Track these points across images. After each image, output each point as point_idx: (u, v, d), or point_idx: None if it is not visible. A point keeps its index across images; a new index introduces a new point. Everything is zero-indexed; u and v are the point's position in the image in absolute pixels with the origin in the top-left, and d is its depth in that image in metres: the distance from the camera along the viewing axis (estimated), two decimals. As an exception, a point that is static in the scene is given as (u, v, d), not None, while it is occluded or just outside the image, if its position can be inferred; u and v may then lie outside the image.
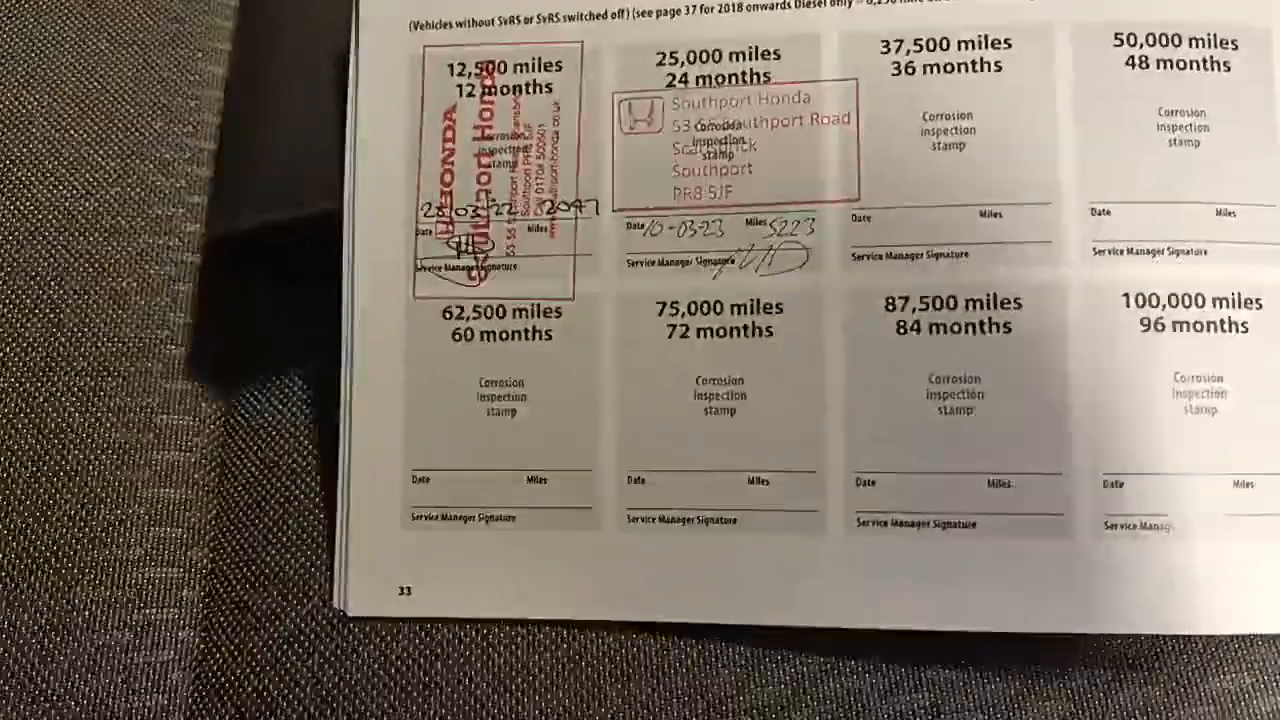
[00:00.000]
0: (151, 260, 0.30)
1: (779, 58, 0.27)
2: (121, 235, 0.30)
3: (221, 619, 0.28)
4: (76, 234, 0.29)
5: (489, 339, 0.27)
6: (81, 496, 0.28)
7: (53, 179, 0.30)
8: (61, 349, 0.29)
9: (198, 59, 0.33)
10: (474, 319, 0.27)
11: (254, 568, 0.29)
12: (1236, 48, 0.27)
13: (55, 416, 0.28)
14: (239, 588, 0.29)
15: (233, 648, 0.28)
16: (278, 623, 0.28)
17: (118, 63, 0.31)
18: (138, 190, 0.31)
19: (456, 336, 0.27)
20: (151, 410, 0.30)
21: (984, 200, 0.26)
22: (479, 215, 0.28)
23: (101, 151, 0.30)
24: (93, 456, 0.28)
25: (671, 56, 0.28)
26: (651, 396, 0.27)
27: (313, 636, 0.28)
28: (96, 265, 0.30)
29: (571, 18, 0.28)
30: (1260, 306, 0.26)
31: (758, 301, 0.27)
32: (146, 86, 0.32)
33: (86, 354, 0.29)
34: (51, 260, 0.29)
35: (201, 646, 0.28)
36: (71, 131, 0.30)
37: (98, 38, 0.32)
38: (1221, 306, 0.26)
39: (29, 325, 0.28)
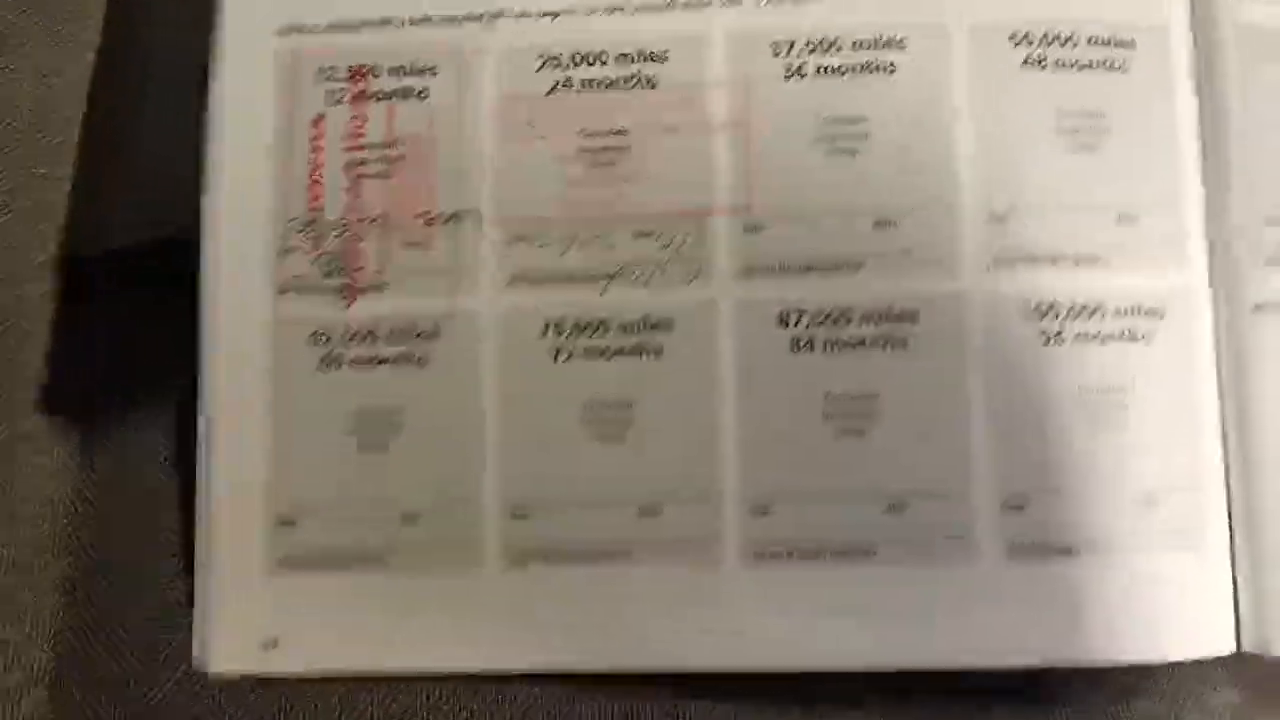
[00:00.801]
0: (4, 286, 0.28)
1: (666, 61, 0.26)
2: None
3: (72, 682, 0.26)
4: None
5: (360, 366, 0.25)
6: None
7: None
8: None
9: (63, 72, 0.30)
10: (343, 344, 0.26)
11: (108, 623, 0.26)
12: (1135, 48, 0.26)
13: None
14: (92, 647, 0.26)
15: (86, 715, 0.26)
16: (134, 685, 0.26)
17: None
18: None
19: (324, 364, 0.26)
20: (3, 446, 0.27)
21: (879, 209, 0.25)
22: (349, 231, 0.26)
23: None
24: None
25: (554, 60, 0.26)
26: (536, 423, 0.25)
27: (172, 701, 0.25)
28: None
29: (448, 20, 0.27)
30: (1162, 316, 0.25)
31: (647, 319, 0.25)
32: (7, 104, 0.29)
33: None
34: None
35: (52, 715, 0.26)
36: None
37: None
38: (1123, 316, 0.25)
39: None
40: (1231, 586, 0.25)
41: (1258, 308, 0.25)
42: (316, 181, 0.26)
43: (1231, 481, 0.25)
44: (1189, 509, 0.25)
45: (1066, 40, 0.26)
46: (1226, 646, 0.24)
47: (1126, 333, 0.25)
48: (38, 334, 0.28)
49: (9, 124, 0.29)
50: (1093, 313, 0.25)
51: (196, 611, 0.25)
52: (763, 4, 0.26)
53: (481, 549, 0.25)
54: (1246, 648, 0.24)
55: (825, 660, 0.24)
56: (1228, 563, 0.25)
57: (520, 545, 0.25)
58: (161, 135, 0.28)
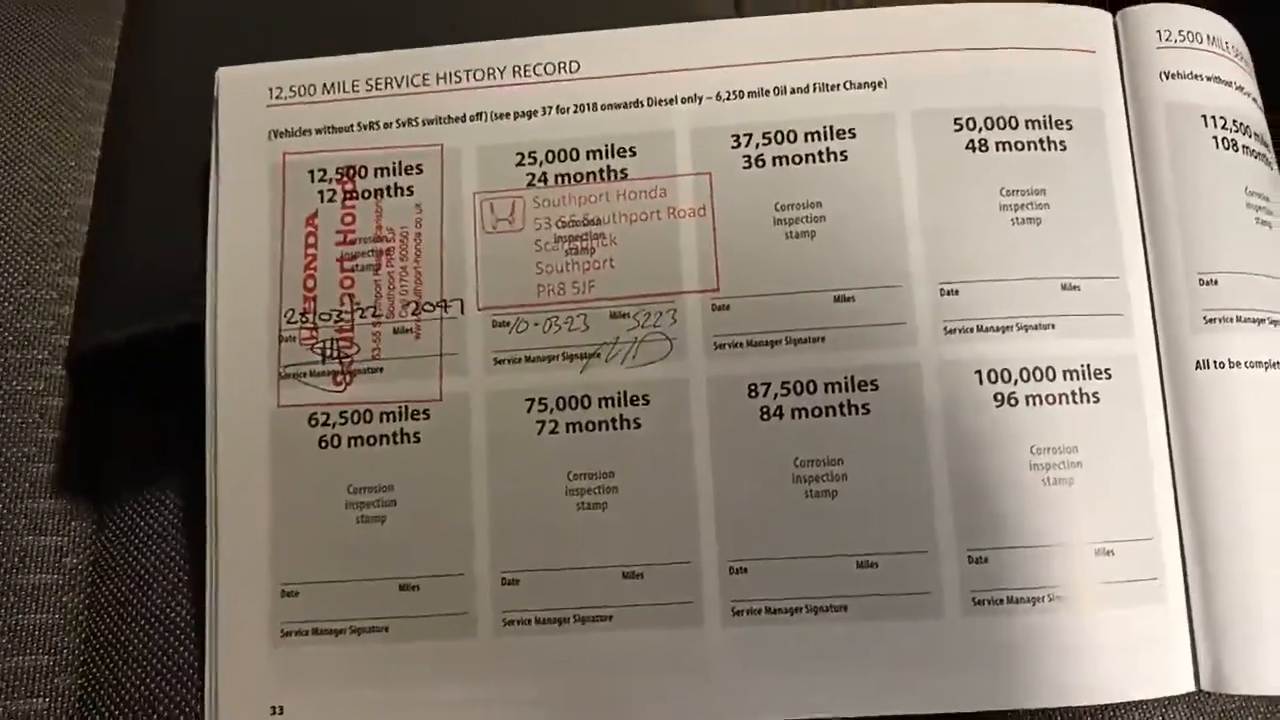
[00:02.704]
0: (18, 375, 0.30)
1: (634, 154, 0.28)
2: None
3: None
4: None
5: (356, 444, 0.27)
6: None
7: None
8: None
9: (69, 167, 0.32)
10: (340, 425, 0.27)
11: (124, 694, 0.28)
12: (1071, 127, 0.28)
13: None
14: (109, 716, 0.28)
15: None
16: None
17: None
18: (5, 304, 0.30)
19: (323, 443, 0.27)
20: (17, 531, 0.29)
21: (837, 285, 0.27)
22: (343, 319, 0.28)
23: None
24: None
25: (530, 156, 0.28)
26: (523, 495, 0.26)
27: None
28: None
29: (430, 121, 0.29)
30: (1109, 376, 0.26)
31: (625, 394, 0.27)
32: (15, 196, 0.31)
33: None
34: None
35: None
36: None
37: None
38: (1072, 378, 0.26)
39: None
40: (1189, 628, 0.26)
41: (1199, 364, 0.27)
42: (311, 274, 0.28)
43: (1184, 530, 0.26)
44: (1145, 557, 0.26)
45: (1007, 123, 0.28)
46: (1186, 685, 0.25)
47: (1076, 394, 0.26)
48: (51, 418, 0.30)
49: (16, 221, 0.31)
50: (1043, 376, 0.26)
51: (206, 680, 0.27)
52: (722, 99, 0.28)
53: (475, 615, 0.26)
54: (1205, 686, 0.25)
55: (802, 711, 0.25)
56: (1184, 606, 0.26)
57: (511, 611, 0.26)
58: (165, 231, 0.30)
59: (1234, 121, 0.29)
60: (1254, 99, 0.30)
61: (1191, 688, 0.25)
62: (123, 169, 0.32)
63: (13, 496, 0.29)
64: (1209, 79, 0.29)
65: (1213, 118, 0.28)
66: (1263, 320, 0.27)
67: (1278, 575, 0.26)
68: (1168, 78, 0.29)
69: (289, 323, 0.28)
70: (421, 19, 0.32)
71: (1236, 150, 0.28)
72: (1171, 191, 0.28)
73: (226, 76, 0.29)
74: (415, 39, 0.29)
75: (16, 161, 0.32)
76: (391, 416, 0.27)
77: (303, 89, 0.29)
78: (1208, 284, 0.27)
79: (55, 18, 0.35)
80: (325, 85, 0.29)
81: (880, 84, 0.28)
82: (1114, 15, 0.29)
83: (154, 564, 0.29)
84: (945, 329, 0.26)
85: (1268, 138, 0.30)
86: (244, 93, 0.29)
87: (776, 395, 0.26)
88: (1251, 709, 0.28)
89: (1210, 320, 0.27)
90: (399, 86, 0.29)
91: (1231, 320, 0.27)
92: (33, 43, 0.34)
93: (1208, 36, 0.29)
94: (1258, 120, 0.30)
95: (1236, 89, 0.29)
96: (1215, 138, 0.28)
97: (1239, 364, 0.27)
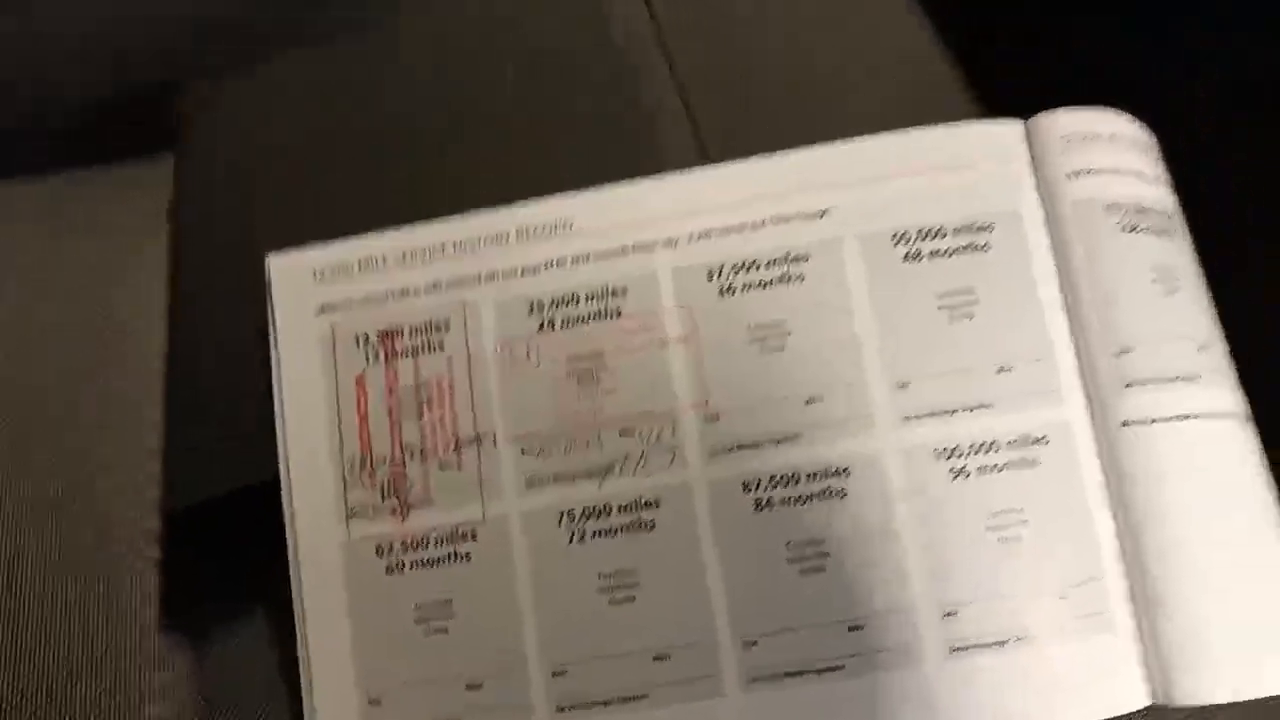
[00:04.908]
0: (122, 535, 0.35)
1: (626, 295, 0.33)
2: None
3: None
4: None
5: (417, 567, 0.32)
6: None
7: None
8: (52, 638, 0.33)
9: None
10: (402, 552, 0.32)
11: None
12: (993, 230, 0.33)
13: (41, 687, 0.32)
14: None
15: None
16: None
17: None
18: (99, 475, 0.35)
19: (389, 570, 0.32)
20: (135, 668, 0.34)
21: (807, 389, 0.32)
22: (396, 462, 0.33)
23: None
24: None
25: (539, 305, 0.33)
26: (562, 596, 0.31)
27: None
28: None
29: (453, 284, 0.34)
30: (1047, 442, 0.31)
31: (639, 500, 0.32)
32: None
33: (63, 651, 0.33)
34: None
35: None
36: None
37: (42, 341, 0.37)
38: (1014, 448, 0.31)
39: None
40: (1139, 652, 0.30)
41: (1125, 424, 0.32)
42: (365, 426, 0.33)
43: (1127, 566, 0.31)
44: (1095, 596, 0.30)
45: (937, 234, 0.33)
46: (1140, 702, 0.30)
47: (1019, 461, 0.31)
48: (150, 571, 0.35)
49: (115, 399, 0.36)
50: (989, 449, 0.31)
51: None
52: (695, 240, 0.33)
53: (533, 705, 0.31)
54: (1157, 701, 0.30)
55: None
56: (1133, 633, 0.30)
57: (563, 698, 0.31)
58: (242, 399, 0.35)
59: (1134, 206, 0.33)
60: (1152, 177, 0.35)
61: (1146, 703, 0.30)
62: (193, 345, 0.37)
63: (125, 637, 0.34)
64: (1109, 171, 0.34)
65: (1114, 206, 0.33)
66: (1175, 379, 0.32)
67: (1211, 599, 0.30)
68: (1073, 176, 0.34)
69: (350, 469, 0.33)
70: (437, 190, 0.37)
71: (1138, 231, 0.33)
72: (1085, 276, 0.33)
73: (276, 264, 0.35)
74: (433, 207, 0.35)
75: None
76: (444, 540, 0.32)
77: (343, 267, 0.34)
78: (1124, 354, 0.32)
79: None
80: (361, 262, 0.34)
81: (827, 212, 0.33)
82: (1025, 123, 0.34)
83: (255, 688, 0.34)
84: (902, 417, 0.31)
85: (1168, 204, 0.35)
86: (293, 276, 0.34)
87: (766, 489, 0.31)
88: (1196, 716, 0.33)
89: (1130, 385, 0.32)
90: (424, 258, 0.34)
91: (1148, 383, 0.32)
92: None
93: (1106, 134, 0.34)
94: (1157, 197, 0.34)
95: (1135, 175, 0.34)
96: (1118, 224, 0.33)
97: (1159, 419, 0.31)
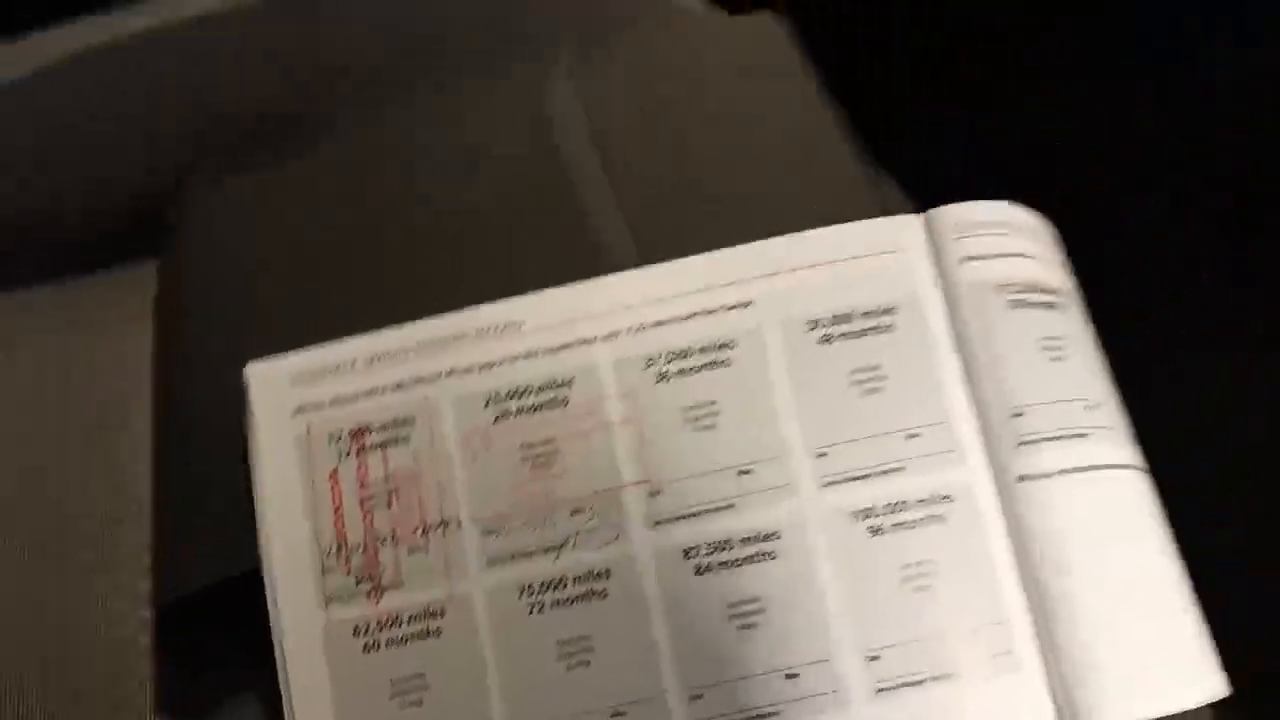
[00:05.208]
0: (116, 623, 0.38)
1: (573, 386, 0.37)
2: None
3: None
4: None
5: (392, 645, 0.35)
6: None
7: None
8: None
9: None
10: (378, 631, 0.35)
11: None
12: (896, 312, 0.37)
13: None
14: None
15: None
16: None
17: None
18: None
19: (366, 649, 0.35)
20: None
21: (738, 462, 0.35)
22: (369, 549, 0.36)
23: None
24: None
25: (495, 398, 0.37)
26: (524, 663, 0.34)
27: None
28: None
29: (417, 382, 0.37)
30: (952, 500, 0.35)
31: (591, 571, 0.35)
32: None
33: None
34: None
35: None
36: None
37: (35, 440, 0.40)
38: (922, 506, 0.35)
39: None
40: (1049, 687, 0.34)
41: (1020, 479, 0.36)
42: (340, 517, 0.36)
43: (1031, 609, 0.34)
44: (1003, 637, 0.34)
45: (846, 319, 0.37)
46: (1050, 731, 0.33)
47: (927, 518, 0.35)
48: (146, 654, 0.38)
49: (103, 494, 0.39)
50: (901, 508, 0.35)
51: None
52: (633, 333, 0.37)
53: (500, 766, 0.34)
54: (1065, 730, 0.33)
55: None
56: (1040, 671, 0.34)
57: None
58: (220, 492, 0.38)
59: (1023, 285, 0.38)
60: (1043, 258, 0.39)
61: (1055, 731, 0.33)
62: (176, 441, 0.40)
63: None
64: (999, 255, 0.38)
65: (1004, 285, 0.38)
66: (1064, 436, 0.36)
67: (1108, 637, 0.34)
68: (966, 261, 0.38)
69: (328, 557, 0.36)
70: (405, 297, 0.41)
71: (1027, 306, 0.38)
72: (981, 348, 0.37)
73: (254, 371, 0.38)
74: (399, 311, 0.39)
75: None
76: (416, 618, 0.35)
77: (317, 372, 0.38)
78: (1017, 416, 0.36)
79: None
80: (333, 366, 0.38)
81: (750, 304, 0.37)
82: (923, 216, 0.39)
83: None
84: (822, 484, 0.35)
85: (1058, 280, 0.39)
86: (270, 382, 0.38)
87: (705, 555, 0.35)
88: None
89: (1023, 444, 0.36)
90: (391, 360, 0.38)
91: (1039, 441, 0.36)
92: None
93: (995, 222, 0.39)
94: (1045, 274, 0.39)
95: (1023, 256, 0.39)
96: (1009, 300, 0.37)
97: (1052, 473, 0.35)
